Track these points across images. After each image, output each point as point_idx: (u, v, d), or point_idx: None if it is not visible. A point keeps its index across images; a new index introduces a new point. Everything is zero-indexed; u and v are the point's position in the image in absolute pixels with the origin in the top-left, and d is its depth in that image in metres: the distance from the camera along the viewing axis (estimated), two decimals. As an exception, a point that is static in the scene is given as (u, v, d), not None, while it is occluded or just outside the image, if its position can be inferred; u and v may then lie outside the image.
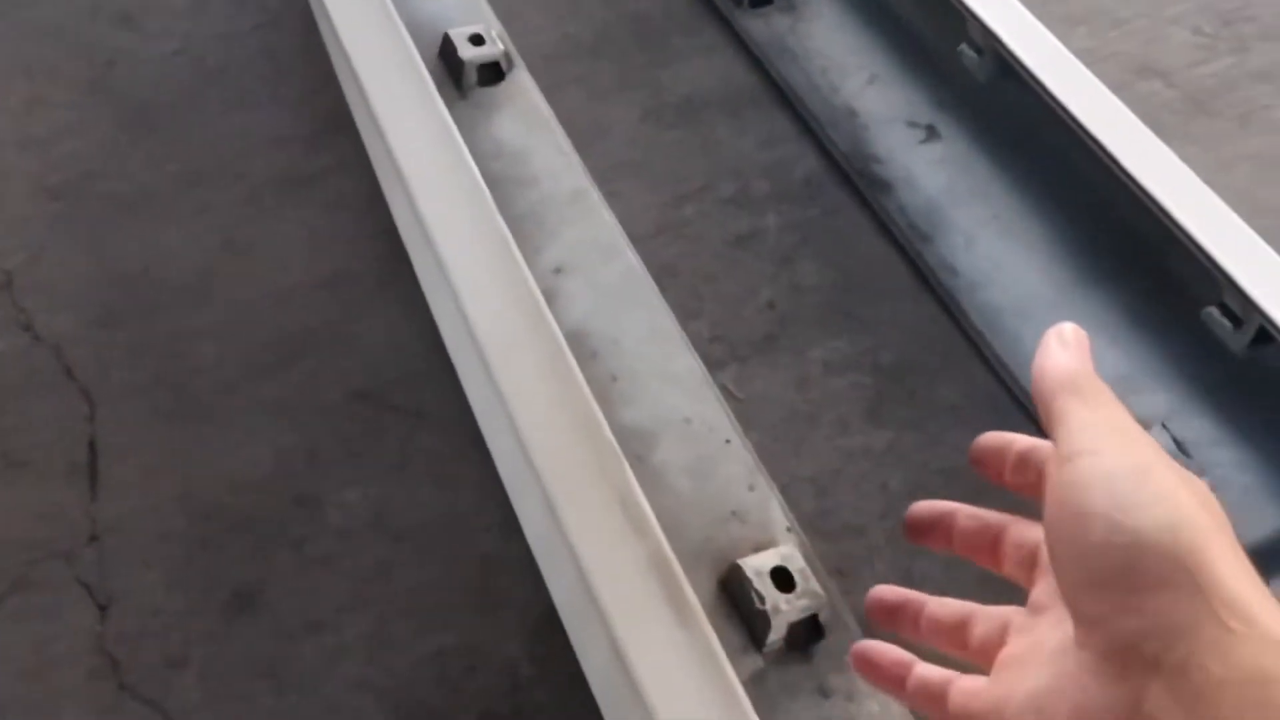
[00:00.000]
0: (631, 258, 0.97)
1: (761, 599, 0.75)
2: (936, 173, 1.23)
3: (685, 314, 1.06)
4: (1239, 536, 0.38)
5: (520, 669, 0.91)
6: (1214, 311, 1.00)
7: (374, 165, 1.20)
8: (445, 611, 0.94)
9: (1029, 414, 1.04)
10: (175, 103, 1.28)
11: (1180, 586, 0.35)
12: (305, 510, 0.98)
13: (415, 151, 1.00)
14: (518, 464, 0.89)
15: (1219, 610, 0.35)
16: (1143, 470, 0.38)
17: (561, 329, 0.88)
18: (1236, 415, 1.02)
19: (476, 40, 1.08)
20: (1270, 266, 0.98)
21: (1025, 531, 0.47)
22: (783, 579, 0.76)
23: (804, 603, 0.75)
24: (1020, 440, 0.48)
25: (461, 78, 1.07)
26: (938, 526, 0.51)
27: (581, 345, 0.90)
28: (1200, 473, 0.97)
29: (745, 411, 1.04)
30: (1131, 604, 0.36)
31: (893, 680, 0.48)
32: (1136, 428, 0.40)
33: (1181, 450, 1.01)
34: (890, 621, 0.50)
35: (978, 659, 0.46)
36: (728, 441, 0.86)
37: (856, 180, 1.23)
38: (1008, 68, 1.15)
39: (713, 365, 1.04)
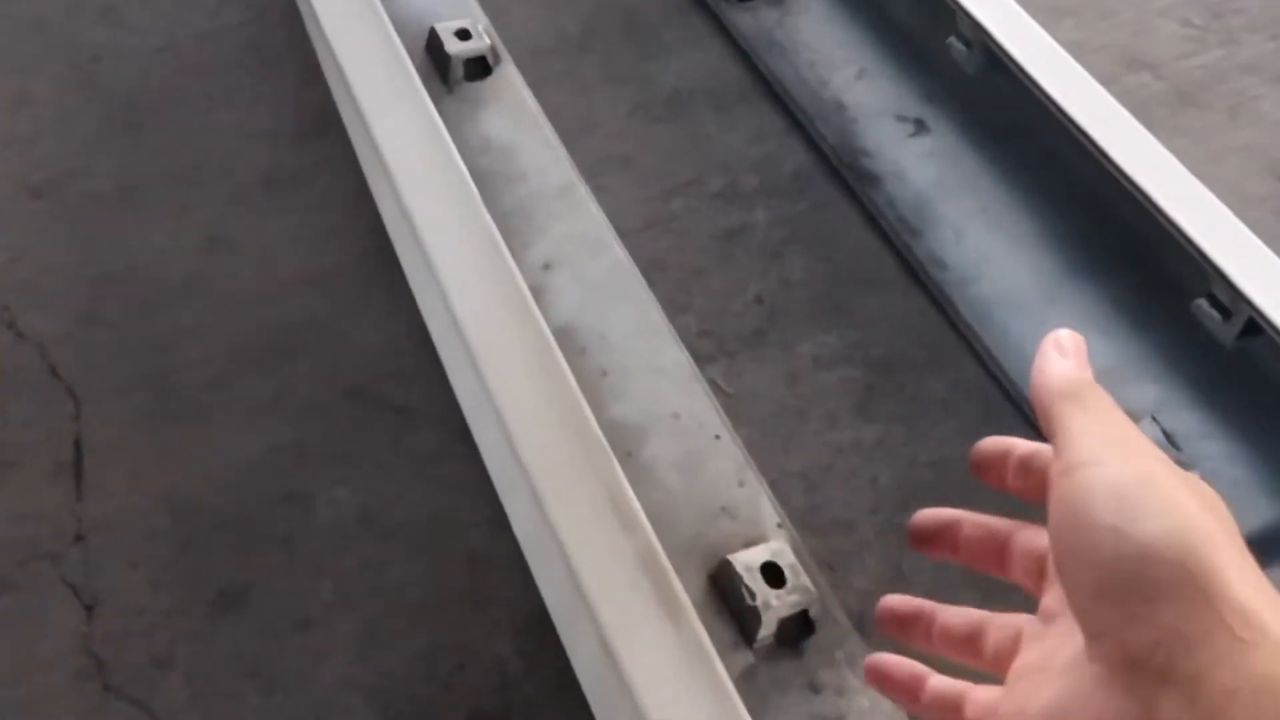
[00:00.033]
0: (620, 252, 0.96)
1: (752, 595, 0.75)
2: (925, 166, 1.23)
3: (674, 309, 1.06)
4: (1230, 529, 0.38)
5: (509, 666, 0.90)
6: (1203, 304, 1.00)
7: (361, 161, 1.19)
8: (434, 609, 0.93)
9: (1019, 408, 1.04)
10: (160, 99, 1.27)
11: (1189, 597, 0.35)
12: (293, 508, 0.98)
13: (402, 147, 0.99)
14: (506, 460, 0.89)
15: (1229, 619, 0.34)
16: (1147, 479, 0.37)
17: (550, 324, 0.88)
18: (1226, 407, 1.02)
19: (463, 35, 1.08)
20: (1259, 258, 0.98)
21: (1033, 538, 0.47)
22: (773, 574, 0.76)
23: (794, 598, 0.75)
24: (1021, 445, 0.47)
25: (448, 72, 1.07)
26: (942, 536, 0.50)
27: (570, 340, 0.90)
28: (1190, 465, 0.98)
29: (734, 406, 1.04)
30: (1140, 616, 0.35)
31: (907, 693, 0.48)
32: (1139, 435, 0.40)
33: (1171, 442, 1.00)
34: (902, 633, 0.50)
35: (992, 668, 0.46)
36: (717, 437, 0.85)
37: (845, 174, 1.23)
38: (996, 61, 1.15)
39: (702, 360, 1.04)
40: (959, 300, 1.12)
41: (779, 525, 0.81)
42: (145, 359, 1.06)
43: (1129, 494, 0.37)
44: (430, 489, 1.00)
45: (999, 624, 0.46)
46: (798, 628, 0.75)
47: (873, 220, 1.20)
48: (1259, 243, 0.98)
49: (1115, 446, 0.39)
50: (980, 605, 0.49)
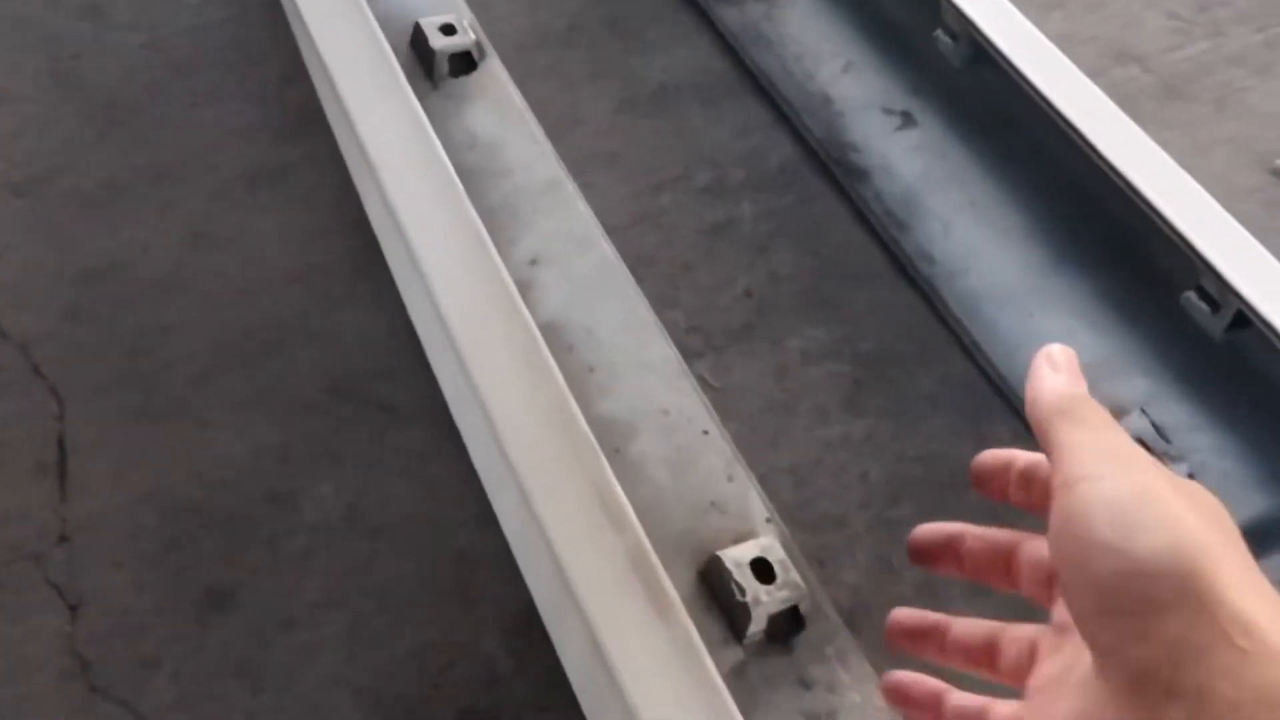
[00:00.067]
0: (607, 248, 0.96)
1: (742, 590, 0.74)
2: (913, 159, 1.22)
3: (661, 304, 1.05)
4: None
5: (499, 663, 0.90)
6: (1191, 296, 1.00)
7: (345, 158, 1.19)
8: (422, 607, 0.93)
9: (1007, 401, 1.04)
10: (143, 96, 1.27)
11: (1190, 610, 0.35)
12: (279, 507, 0.97)
13: (387, 143, 0.99)
14: (494, 458, 0.88)
15: (1229, 630, 0.34)
16: (1144, 494, 0.37)
17: (537, 321, 0.87)
18: (1215, 400, 1.02)
19: (448, 30, 1.07)
20: (1247, 250, 0.98)
21: (1039, 549, 0.46)
22: (763, 570, 0.76)
23: (784, 594, 0.75)
24: (1022, 457, 0.47)
25: (433, 68, 1.06)
26: (945, 551, 0.49)
27: (557, 337, 0.89)
28: (1179, 458, 0.97)
29: (723, 402, 1.04)
30: (1142, 631, 0.35)
31: (927, 710, 0.48)
32: (1135, 449, 0.39)
33: (1160, 435, 1.00)
34: (914, 647, 0.50)
35: (1008, 680, 0.46)
36: (706, 432, 0.85)
37: (833, 168, 1.23)
38: (983, 53, 1.15)
39: (690, 355, 1.04)
40: (947, 294, 1.12)
41: (768, 520, 0.81)
42: (129, 357, 1.05)
43: (1127, 510, 0.37)
44: (417, 487, 0.99)
45: (1013, 635, 0.46)
46: (788, 623, 0.75)
47: (860, 214, 1.20)
48: (1247, 235, 0.98)
49: (1112, 461, 0.38)
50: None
